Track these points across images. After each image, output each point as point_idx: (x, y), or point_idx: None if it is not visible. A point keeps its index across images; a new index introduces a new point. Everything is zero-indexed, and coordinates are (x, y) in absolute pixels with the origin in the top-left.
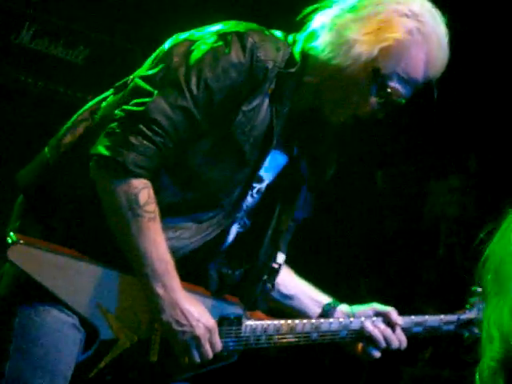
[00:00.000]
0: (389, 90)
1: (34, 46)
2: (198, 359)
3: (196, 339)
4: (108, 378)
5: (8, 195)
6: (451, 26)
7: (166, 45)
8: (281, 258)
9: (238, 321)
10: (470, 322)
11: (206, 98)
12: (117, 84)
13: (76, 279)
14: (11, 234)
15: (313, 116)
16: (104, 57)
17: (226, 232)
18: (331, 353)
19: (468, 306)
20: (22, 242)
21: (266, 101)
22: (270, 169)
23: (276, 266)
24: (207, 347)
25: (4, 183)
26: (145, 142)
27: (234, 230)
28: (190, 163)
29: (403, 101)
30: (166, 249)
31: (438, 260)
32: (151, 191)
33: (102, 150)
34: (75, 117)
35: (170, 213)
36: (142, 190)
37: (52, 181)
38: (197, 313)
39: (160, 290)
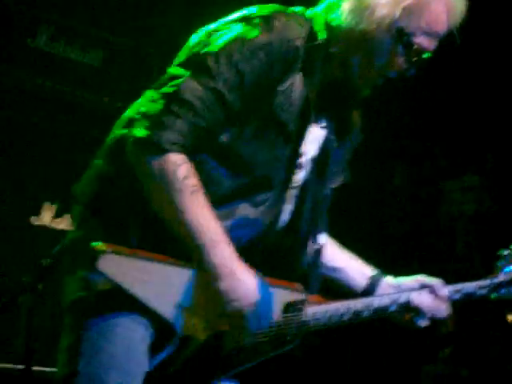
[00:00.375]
0: (415, 47)
1: (50, 49)
2: (253, 328)
3: (253, 307)
4: (187, 372)
5: (29, 194)
6: (472, 30)
7: (194, 37)
8: (322, 238)
9: (302, 306)
10: (499, 285)
11: (236, 80)
12: (152, 86)
13: (157, 282)
14: (97, 243)
15: (342, 85)
16: (121, 59)
17: (280, 212)
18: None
19: (497, 270)
20: (110, 250)
21: (298, 77)
22: (309, 142)
23: (318, 246)
24: (263, 318)
25: (23, 183)
26: (177, 120)
27: (288, 209)
28: (239, 151)
29: (428, 55)
30: (214, 219)
31: (455, 258)
32: (190, 167)
33: (136, 132)
34: (116, 126)
35: (228, 200)
36: (180, 165)
37: (114, 189)
38: (253, 283)
39: (216, 260)
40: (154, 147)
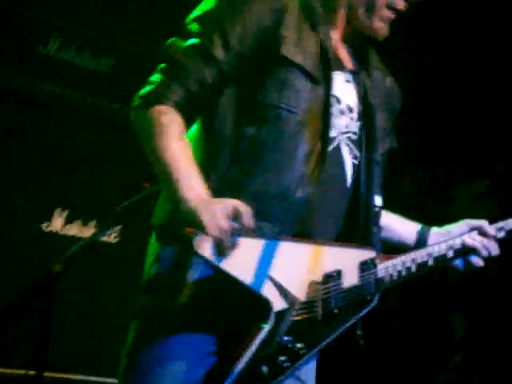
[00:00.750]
0: None
1: (60, 55)
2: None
3: (228, 208)
4: (287, 341)
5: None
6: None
7: None
8: (379, 200)
9: (374, 264)
10: None
11: (218, 33)
12: None
13: (245, 255)
14: (184, 232)
15: (354, 29)
16: (130, 66)
17: (340, 163)
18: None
19: None
20: (196, 233)
21: (306, 25)
22: (340, 90)
23: (376, 209)
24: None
25: (34, 189)
26: (164, 77)
27: (349, 161)
28: (269, 102)
29: None
30: (193, 165)
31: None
32: (175, 117)
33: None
34: None
35: (278, 157)
36: (165, 114)
37: None
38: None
39: (191, 194)
40: (144, 102)
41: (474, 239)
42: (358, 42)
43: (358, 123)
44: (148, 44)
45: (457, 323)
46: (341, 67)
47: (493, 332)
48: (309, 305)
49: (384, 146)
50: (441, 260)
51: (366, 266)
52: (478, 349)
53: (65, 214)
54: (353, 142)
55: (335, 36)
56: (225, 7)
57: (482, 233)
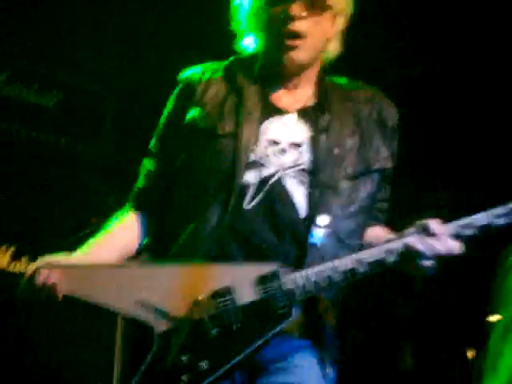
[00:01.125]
0: None
1: (6, 92)
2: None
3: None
4: (185, 361)
5: None
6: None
7: None
8: (325, 220)
9: (275, 276)
10: None
11: (157, 137)
12: None
13: (112, 284)
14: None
15: (272, 70)
16: (76, 101)
17: (282, 197)
18: None
19: None
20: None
21: (225, 90)
22: (283, 132)
23: (317, 228)
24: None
25: None
26: (133, 189)
27: (299, 192)
28: (186, 166)
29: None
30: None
31: (415, 296)
32: (120, 218)
33: None
34: None
35: (198, 216)
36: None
37: None
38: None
39: None
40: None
41: (415, 239)
42: (318, 80)
43: (307, 153)
44: (95, 78)
45: (405, 356)
46: (279, 112)
47: (440, 365)
48: (198, 323)
49: (348, 170)
50: (377, 265)
51: (265, 280)
52: (425, 382)
53: (10, 251)
54: (304, 173)
55: (279, 87)
56: (164, 113)
57: (428, 231)
